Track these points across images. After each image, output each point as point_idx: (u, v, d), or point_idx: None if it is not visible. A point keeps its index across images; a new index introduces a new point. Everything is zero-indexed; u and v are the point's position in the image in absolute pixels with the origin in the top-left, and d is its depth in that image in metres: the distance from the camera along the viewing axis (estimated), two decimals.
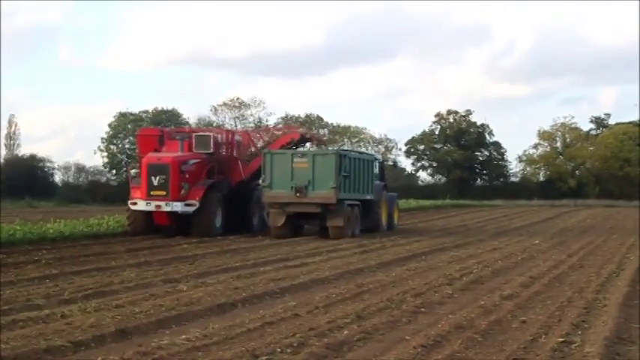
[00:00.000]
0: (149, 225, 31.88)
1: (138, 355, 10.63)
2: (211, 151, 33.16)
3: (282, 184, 31.51)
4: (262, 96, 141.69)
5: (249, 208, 34.66)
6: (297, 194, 31.25)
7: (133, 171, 32.95)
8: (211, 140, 33.35)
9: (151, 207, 31.34)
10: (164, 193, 31.32)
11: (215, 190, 32.69)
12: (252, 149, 35.82)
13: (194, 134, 34.19)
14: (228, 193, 33.54)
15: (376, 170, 36.30)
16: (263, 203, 33.94)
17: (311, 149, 36.68)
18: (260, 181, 32.94)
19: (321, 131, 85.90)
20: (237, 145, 35.07)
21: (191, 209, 31.44)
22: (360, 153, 41.07)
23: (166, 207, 31.30)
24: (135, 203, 31.68)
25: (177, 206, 31.31)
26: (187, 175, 31.84)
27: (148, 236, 30.92)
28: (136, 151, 34.62)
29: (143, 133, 37.09)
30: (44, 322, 12.86)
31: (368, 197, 34.22)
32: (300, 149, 35.75)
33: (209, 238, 30.31)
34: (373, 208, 35.10)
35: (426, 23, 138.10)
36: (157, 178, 31.35)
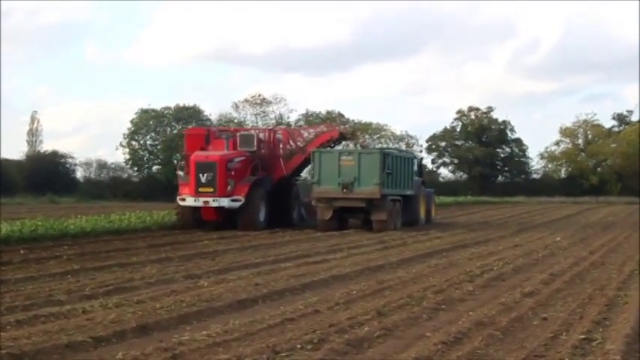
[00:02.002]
0: (197, 220, 33.39)
1: (158, 351, 10.65)
2: (254, 149, 34.94)
3: (330, 181, 33.45)
4: (284, 92, 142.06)
5: (290, 203, 36.27)
6: (344, 190, 33.17)
7: (181, 173, 34.48)
8: (255, 139, 35.27)
9: (199, 203, 32.98)
10: (212, 189, 32.91)
11: (259, 187, 34.26)
12: (293, 147, 37.24)
13: (238, 133, 36.11)
14: (270, 189, 35.07)
15: (415, 167, 38.67)
16: (301, 199, 36.81)
17: (355, 147, 39.02)
18: (309, 177, 35.41)
19: (342, 127, 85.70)
20: (278, 143, 36.56)
21: (237, 204, 33.00)
22: (400, 151, 43.70)
23: (214, 203, 32.88)
24: (184, 199, 33.23)
25: (224, 202, 32.88)
26: (233, 173, 33.53)
27: (169, 232, 31.28)
28: (184, 149, 36.75)
29: (190, 133, 38.77)
30: (65, 318, 12.93)
31: (408, 193, 36.44)
32: (347, 148, 38.33)
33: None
34: (413, 202, 37.20)
35: (452, 19, 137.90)
36: (205, 175, 32.90)
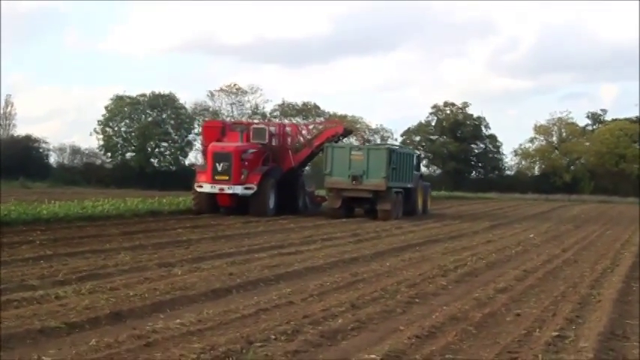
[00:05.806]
0: (212, 205, 36.30)
1: (132, 338, 10.62)
2: (266, 141, 37.99)
3: (341, 173, 36.74)
4: (261, 83, 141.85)
5: (296, 192, 39.64)
6: (353, 182, 36.57)
7: (199, 164, 38.77)
8: (267, 132, 38.41)
9: (215, 190, 35.81)
10: (227, 177, 35.73)
11: (269, 176, 37.18)
12: (301, 140, 40.62)
13: (252, 126, 39.24)
14: (279, 179, 37.94)
15: (414, 163, 42.08)
16: (306, 189, 40.57)
17: (362, 143, 42.74)
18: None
19: (318, 119, 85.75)
20: (287, 136, 40.15)
21: (250, 192, 35.92)
22: (402, 147, 47.97)
23: (228, 190, 35.74)
24: (201, 186, 36.07)
25: (238, 189, 35.73)
26: (247, 163, 36.35)
27: (143, 219, 31.18)
28: (201, 140, 40.66)
29: (207, 125, 42.89)
30: (38, 303, 12.86)
31: (409, 185, 40.09)
32: (357, 144, 41.92)
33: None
34: (412, 194, 40.85)
35: (431, 15, 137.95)
36: (221, 164, 35.75)
